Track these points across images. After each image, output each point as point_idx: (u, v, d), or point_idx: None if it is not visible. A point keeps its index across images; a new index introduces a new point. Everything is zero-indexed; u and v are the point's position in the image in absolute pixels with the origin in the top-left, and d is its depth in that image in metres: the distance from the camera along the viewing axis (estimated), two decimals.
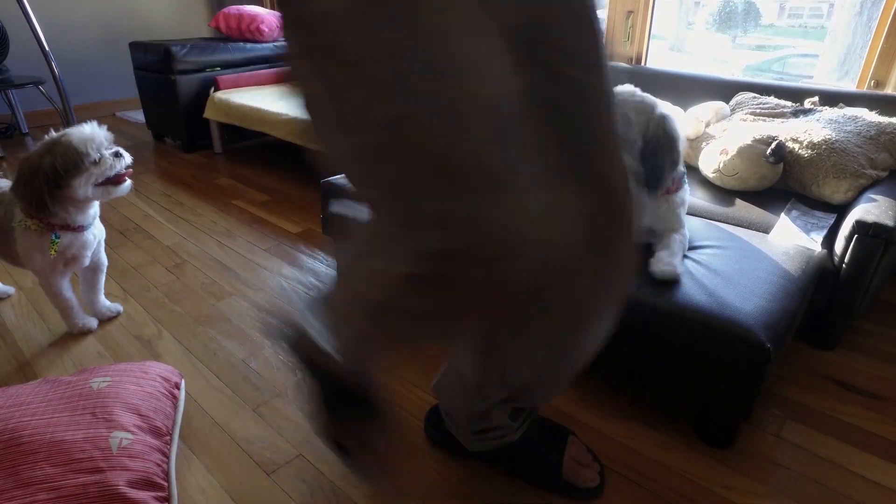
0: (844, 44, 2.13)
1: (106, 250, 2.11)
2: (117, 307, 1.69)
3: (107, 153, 1.37)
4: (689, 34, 2.62)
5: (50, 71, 3.52)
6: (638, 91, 1.26)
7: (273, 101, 2.91)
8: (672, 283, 1.20)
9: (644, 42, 2.38)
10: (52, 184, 1.29)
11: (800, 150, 1.65)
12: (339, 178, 1.84)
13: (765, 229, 1.49)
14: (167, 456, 1.12)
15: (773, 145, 1.62)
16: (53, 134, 1.34)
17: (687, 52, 2.62)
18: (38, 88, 3.51)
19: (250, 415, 1.31)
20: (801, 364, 1.49)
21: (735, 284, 1.19)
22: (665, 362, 1.19)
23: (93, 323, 1.61)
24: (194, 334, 1.60)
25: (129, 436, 1.09)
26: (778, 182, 1.68)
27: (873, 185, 1.57)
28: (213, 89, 3.16)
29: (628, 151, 0.76)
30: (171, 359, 1.51)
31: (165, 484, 1.05)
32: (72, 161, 1.30)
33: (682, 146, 1.26)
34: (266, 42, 3.55)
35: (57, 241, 1.39)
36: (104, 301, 1.67)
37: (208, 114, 3.15)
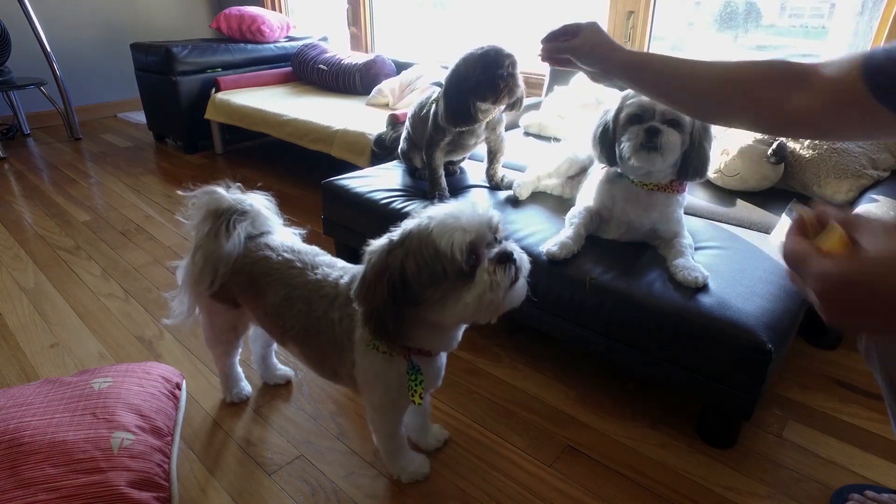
0: (846, 44, 2.12)
1: (107, 251, 2.13)
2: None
3: (490, 254, 0.83)
4: (689, 34, 2.62)
5: (52, 72, 3.53)
6: None
7: (274, 102, 2.91)
8: (702, 287, 1.19)
9: (645, 42, 2.38)
10: (399, 298, 0.83)
11: (801, 151, 1.65)
12: (340, 179, 1.84)
13: (766, 230, 1.49)
14: (168, 456, 1.12)
15: (774, 145, 1.61)
16: (413, 219, 0.86)
17: (688, 53, 2.62)
18: (40, 89, 3.51)
19: (251, 415, 1.31)
20: (802, 364, 1.48)
21: (736, 285, 1.19)
22: (666, 362, 1.19)
23: (426, 468, 1.15)
24: (195, 335, 1.60)
25: (131, 436, 1.09)
26: (779, 182, 1.68)
27: (875, 185, 1.57)
28: (214, 90, 3.16)
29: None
30: (172, 359, 1.51)
31: (167, 484, 1.05)
32: (427, 268, 0.81)
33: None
34: (267, 43, 3.56)
35: (420, 379, 0.93)
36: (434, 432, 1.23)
37: (209, 115, 3.15)
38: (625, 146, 1.24)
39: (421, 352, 0.94)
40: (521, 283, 0.86)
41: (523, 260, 0.86)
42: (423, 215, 0.84)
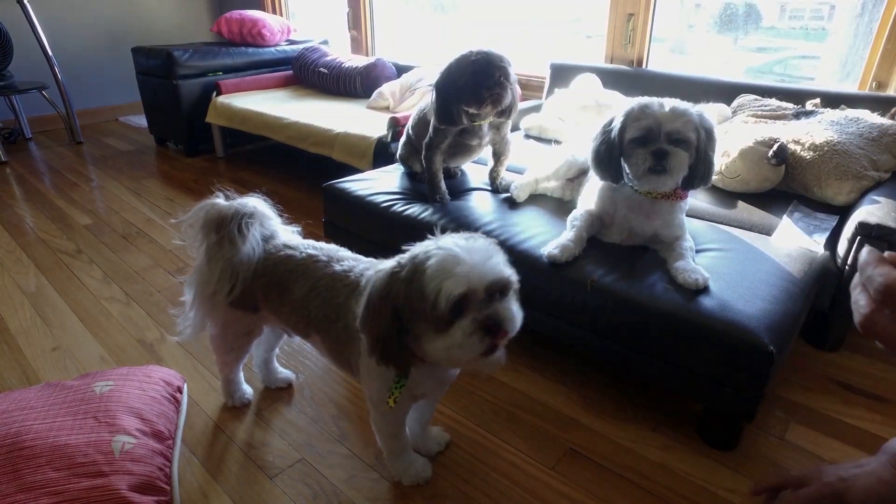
0: (846, 45, 2.12)
1: (108, 254, 2.13)
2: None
3: (479, 314, 0.78)
4: (689, 36, 2.62)
5: (53, 76, 3.54)
6: (675, 102, 1.23)
7: (275, 106, 2.91)
8: (703, 289, 1.18)
9: (645, 45, 2.39)
10: (395, 327, 0.82)
11: (802, 152, 1.64)
12: (341, 182, 1.84)
13: (767, 231, 1.49)
14: (169, 460, 1.12)
15: (774, 147, 1.61)
16: (427, 242, 0.83)
17: (688, 55, 2.62)
18: (42, 93, 3.53)
19: (253, 419, 1.31)
20: (804, 366, 1.48)
21: (737, 287, 1.19)
22: (668, 365, 1.19)
23: (428, 471, 1.15)
24: (197, 338, 1.59)
25: (132, 440, 1.09)
26: (780, 184, 1.68)
27: (876, 186, 1.57)
28: (215, 94, 3.17)
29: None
30: (173, 363, 1.51)
31: (168, 488, 1.05)
32: (409, 307, 0.79)
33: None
34: (268, 46, 3.57)
35: (401, 384, 0.93)
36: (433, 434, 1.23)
37: (210, 118, 3.15)
38: (632, 170, 1.24)
39: (422, 360, 0.91)
40: (499, 354, 0.82)
41: (516, 323, 0.81)
42: (435, 242, 0.81)
